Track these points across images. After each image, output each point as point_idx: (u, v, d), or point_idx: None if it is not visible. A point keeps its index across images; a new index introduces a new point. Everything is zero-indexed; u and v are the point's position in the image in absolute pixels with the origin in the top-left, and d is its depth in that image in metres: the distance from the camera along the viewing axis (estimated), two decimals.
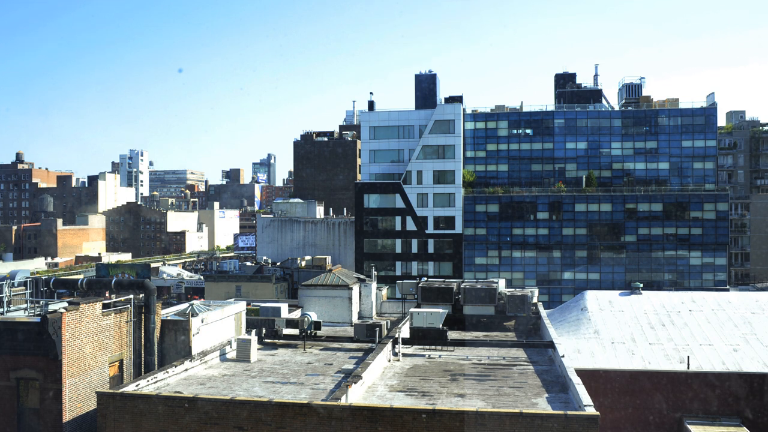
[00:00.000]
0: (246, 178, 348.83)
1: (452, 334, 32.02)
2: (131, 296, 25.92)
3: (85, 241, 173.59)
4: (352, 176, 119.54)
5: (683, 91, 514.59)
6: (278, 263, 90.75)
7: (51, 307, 24.97)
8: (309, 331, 30.92)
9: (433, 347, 29.62)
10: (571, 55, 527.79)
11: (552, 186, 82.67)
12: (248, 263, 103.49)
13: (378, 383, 23.74)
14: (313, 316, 32.70)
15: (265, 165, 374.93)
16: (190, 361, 25.57)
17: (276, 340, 31.23)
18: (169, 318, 28.42)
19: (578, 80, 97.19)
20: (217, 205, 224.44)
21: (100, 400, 20.23)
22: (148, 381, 22.52)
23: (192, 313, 29.06)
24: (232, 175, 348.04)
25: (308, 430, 18.50)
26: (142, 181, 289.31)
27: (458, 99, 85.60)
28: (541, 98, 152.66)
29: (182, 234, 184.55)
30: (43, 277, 27.81)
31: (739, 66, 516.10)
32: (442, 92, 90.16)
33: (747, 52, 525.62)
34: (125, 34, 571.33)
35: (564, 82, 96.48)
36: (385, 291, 49.09)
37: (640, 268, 79.37)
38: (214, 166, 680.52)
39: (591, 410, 18.30)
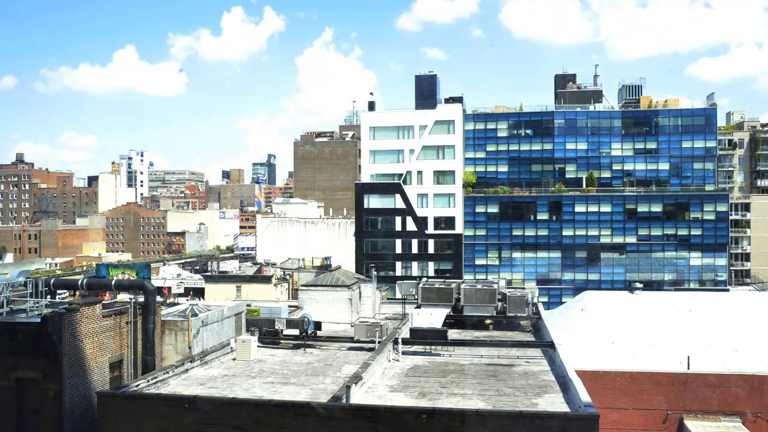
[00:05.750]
0: (246, 178, 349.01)
1: (452, 334, 32.00)
2: (131, 297, 25.94)
3: (85, 242, 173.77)
4: (352, 176, 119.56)
5: (683, 91, 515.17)
6: (278, 264, 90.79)
7: (51, 308, 24.98)
8: (309, 332, 30.91)
9: (433, 347, 29.61)
10: (572, 55, 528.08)
11: (552, 186, 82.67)
12: (248, 264, 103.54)
13: (378, 383, 23.74)
14: (314, 317, 32.73)
15: (266, 165, 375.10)
16: (190, 361, 25.57)
17: (276, 341, 31.21)
18: (169, 318, 28.46)
19: (578, 80, 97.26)
20: (217, 205, 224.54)
21: (100, 400, 20.22)
22: (148, 381, 22.50)
23: (192, 314, 29.07)
24: (233, 175, 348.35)
25: (308, 430, 18.50)
26: (142, 182, 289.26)
27: (458, 99, 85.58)
28: (541, 99, 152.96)
29: (182, 234, 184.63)
30: (43, 278, 27.82)
31: (738, 66, 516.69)
32: (442, 93, 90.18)
33: (747, 52, 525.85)
34: (124, 33, 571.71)
35: (564, 82, 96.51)
36: (385, 291, 49.10)
37: (640, 269, 79.39)
38: (214, 167, 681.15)
39: (591, 410, 18.30)
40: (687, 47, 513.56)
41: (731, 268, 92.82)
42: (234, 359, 27.68)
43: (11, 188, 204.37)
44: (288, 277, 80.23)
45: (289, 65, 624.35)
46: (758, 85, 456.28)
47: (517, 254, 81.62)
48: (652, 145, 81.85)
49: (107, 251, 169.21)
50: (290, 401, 19.96)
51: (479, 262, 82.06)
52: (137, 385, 21.83)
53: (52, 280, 27.60)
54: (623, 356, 33.99)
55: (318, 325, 31.60)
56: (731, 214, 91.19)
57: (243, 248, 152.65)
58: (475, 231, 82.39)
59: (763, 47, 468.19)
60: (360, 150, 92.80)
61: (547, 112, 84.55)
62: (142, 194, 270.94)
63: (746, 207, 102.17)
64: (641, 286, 46.49)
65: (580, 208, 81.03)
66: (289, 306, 41.70)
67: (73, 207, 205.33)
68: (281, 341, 31.14)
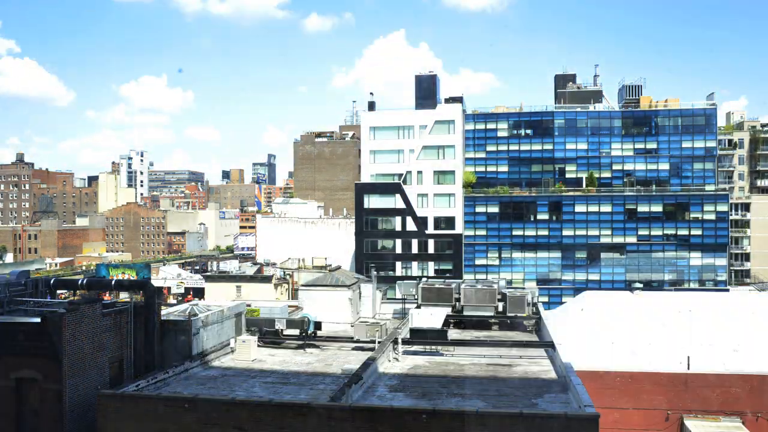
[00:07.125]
0: (246, 178, 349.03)
1: (452, 334, 32.02)
2: (131, 297, 25.93)
3: (86, 242, 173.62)
4: (352, 176, 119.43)
5: (683, 91, 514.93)
6: (278, 264, 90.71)
7: (51, 308, 24.95)
8: (309, 332, 30.91)
9: (433, 347, 29.61)
10: (571, 55, 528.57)
11: (552, 186, 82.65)
12: (248, 264, 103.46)
13: (378, 383, 23.74)
14: (314, 317, 32.72)
15: (266, 165, 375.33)
16: (190, 361, 25.57)
17: (276, 341, 31.22)
18: (169, 318, 28.42)
19: (578, 80, 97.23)
20: (217, 205, 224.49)
21: (100, 400, 20.23)
22: (148, 381, 22.52)
23: (192, 314, 29.05)
24: (233, 175, 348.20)
25: (308, 431, 18.49)
26: (142, 182, 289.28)
27: (458, 99, 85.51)
28: (541, 99, 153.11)
29: (182, 234, 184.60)
30: (43, 278, 27.81)
31: (737, 66, 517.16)
32: (442, 93, 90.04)
33: (747, 52, 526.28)
34: (125, 34, 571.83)
35: (564, 82, 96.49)
36: (385, 291, 49.08)
37: (640, 269, 79.30)
38: (215, 167, 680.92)
39: (591, 410, 18.30)
40: None
41: (731, 268, 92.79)
42: (234, 359, 27.69)
43: (11, 188, 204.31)
44: (288, 277, 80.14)
45: None
46: None
47: (517, 254, 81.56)
48: (652, 145, 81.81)
49: (107, 251, 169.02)
50: (290, 401, 19.97)
51: (479, 262, 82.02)
52: (137, 385, 21.85)
53: (52, 280, 27.59)
54: (623, 356, 33.99)
55: (318, 325, 31.62)
56: (731, 214, 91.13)
57: (243, 248, 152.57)
58: (475, 231, 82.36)
59: None
60: (360, 150, 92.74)
61: (547, 112, 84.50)
62: (142, 194, 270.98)
63: (746, 207, 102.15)
64: (641, 286, 46.51)
65: (580, 208, 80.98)
66: (289, 306, 41.63)
67: (73, 207, 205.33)
68: (281, 341, 31.15)
